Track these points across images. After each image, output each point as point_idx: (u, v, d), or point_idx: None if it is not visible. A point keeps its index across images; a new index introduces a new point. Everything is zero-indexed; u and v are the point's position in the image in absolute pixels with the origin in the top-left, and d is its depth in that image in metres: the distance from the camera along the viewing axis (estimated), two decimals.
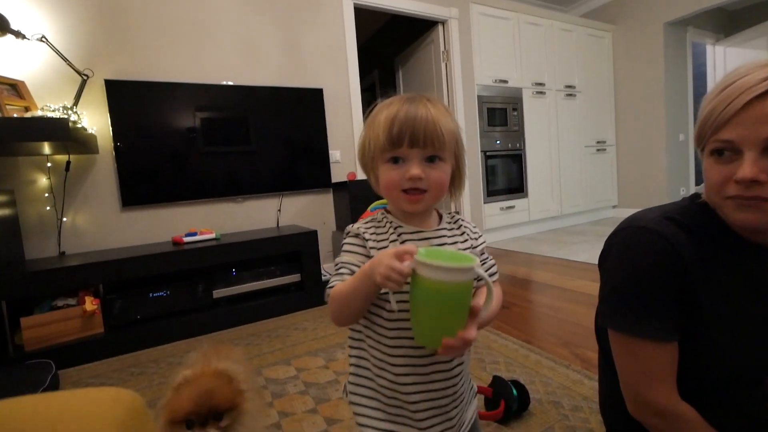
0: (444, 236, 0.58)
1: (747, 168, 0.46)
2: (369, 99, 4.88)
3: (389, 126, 0.52)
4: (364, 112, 3.31)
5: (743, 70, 0.49)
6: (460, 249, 0.58)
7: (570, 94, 3.87)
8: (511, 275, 2.38)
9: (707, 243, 0.54)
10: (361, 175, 2.74)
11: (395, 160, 0.53)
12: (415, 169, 0.52)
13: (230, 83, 2.32)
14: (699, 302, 0.52)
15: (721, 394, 0.55)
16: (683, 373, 0.54)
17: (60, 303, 1.64)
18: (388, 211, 0.61)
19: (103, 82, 1.99)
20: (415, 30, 3.47)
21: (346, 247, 0.57)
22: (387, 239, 0.56)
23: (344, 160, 2.75)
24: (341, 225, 2.56)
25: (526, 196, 3.57)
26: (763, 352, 0.53)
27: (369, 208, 2.54)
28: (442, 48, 3.23)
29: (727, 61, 4.19)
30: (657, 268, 0.53)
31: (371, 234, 0.56)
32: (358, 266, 0.54)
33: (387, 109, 0.54)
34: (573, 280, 2.15)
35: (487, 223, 3.38)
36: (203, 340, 1.71)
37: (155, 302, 1.75)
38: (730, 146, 0.48)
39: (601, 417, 0.75)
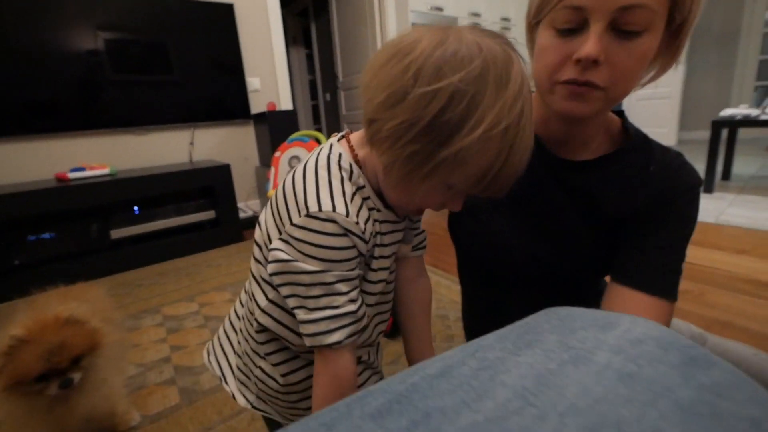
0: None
1: (591, 44, 0.39)
2: (304, 25, 4.37)
3: None
4: (287, 36, 2.92)
5: None
6: None
7: (505, 27, 3.79)
8: None
9: None
10: (284, 106, 2.54)
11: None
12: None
13: None
14: None
15: None
16: None
17: None
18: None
19: None
20: None
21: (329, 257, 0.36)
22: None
23: (264, 89, 2.50)
24: (265, 161, 2.41)
25: None
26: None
27: (287, 140, 2.35)
28: None
29: None
30: None
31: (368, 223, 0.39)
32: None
33: None
34: None
35: None
36: (103, 282, 1.58)
37: (37, 246, 1.55)
38: (577, 17, 0.40)
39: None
